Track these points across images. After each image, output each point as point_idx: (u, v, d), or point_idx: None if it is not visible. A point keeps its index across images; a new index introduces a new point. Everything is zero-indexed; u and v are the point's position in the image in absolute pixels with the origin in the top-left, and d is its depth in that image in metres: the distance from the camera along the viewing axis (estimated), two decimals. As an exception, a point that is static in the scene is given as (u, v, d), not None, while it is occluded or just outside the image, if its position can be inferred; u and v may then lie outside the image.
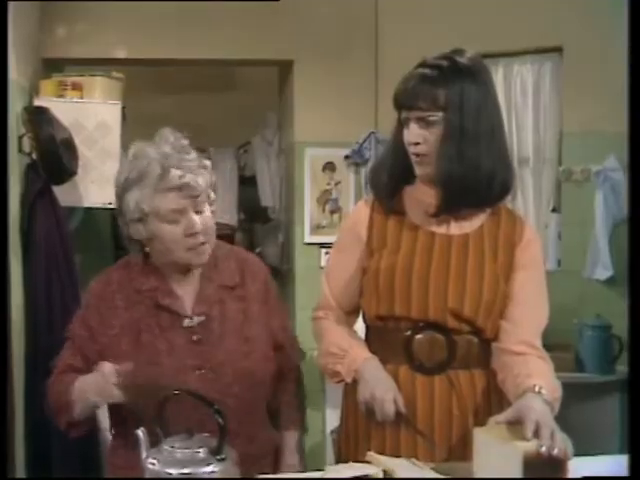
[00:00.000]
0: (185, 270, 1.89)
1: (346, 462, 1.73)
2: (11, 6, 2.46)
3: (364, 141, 4.10)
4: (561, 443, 1.53)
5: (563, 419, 1.66)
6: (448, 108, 1.77)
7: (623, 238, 3.07)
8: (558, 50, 3.89)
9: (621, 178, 3.64)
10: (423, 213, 1.87)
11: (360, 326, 1.98)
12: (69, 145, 3.37)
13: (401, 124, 1.84)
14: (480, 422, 1.75)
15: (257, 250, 4.73)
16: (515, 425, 1.58)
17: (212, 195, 1.88)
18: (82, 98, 3.55)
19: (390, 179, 1.90)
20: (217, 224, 1.91)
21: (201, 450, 1.51)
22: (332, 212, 4.18)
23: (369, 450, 1.74)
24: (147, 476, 1.51)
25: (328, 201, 4.18)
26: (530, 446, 1.51)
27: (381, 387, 1.75)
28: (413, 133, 1.80)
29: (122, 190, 1.83)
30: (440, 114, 1.77)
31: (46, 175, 3.28)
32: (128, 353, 1.81)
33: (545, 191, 4.00)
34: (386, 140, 2.09)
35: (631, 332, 1.58)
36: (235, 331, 1.87)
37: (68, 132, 3.40)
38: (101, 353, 1.84)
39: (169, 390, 1.59)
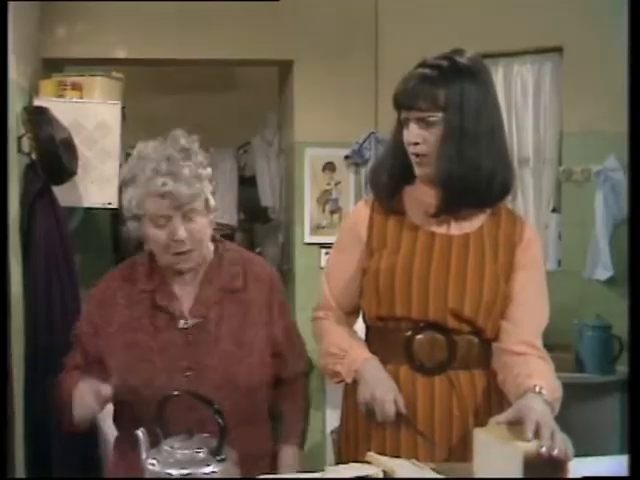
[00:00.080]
0: (182, 272, 1.89)
1: (346, 462, 1.72)
2: (11, 6, 2.45)
3: (364, 141, 4.09)
4: (561, 443, 1.53)
5: (563, 419, 1.66)
6: (448, 108, 1.76)
7: (623, 238, 3.06)
8: (558, 50, 3.88)
9: (621, 178, 3.64)
10: (423, 213, 1.87)
11: (360, 326, 1.97)
12: (69, 145, 3.36)
13: (401, 124, 1.84)
14: (480, 422, 1.74)
15: (257, 250, 4.72)
16: (515, 425, 1.58)
17: (211, 202, 1.85)
18: (82, 98, 3.54)
19: (390, 179, 1.90)
20: (217, 224, 1.91)
21: (201, 450, 1.50)
22: (332, 212, 4.17)
23: (369, 450, 1.74)
24: (147, 476, 1.51)
25: (328, 201, 4.17)
26: (530, 446, 1.51)
27: (381, 387, 1.75)
28: (413, 133, 1.80)
29: (121, 186, 1.87)
30: (440, 114, 1.77)
31: (46, 175, 3.28)
32: (122, 351, 1.82)
33: (545, 191, 4.00)
34: (386, 140, 2.09)
35: (631, 332, 1.58)
36: (231, 335, 1.86)
37: (68, 132, 3.39)
38: (100, 350, 1.86)
39: (158, 391, 1.59)
